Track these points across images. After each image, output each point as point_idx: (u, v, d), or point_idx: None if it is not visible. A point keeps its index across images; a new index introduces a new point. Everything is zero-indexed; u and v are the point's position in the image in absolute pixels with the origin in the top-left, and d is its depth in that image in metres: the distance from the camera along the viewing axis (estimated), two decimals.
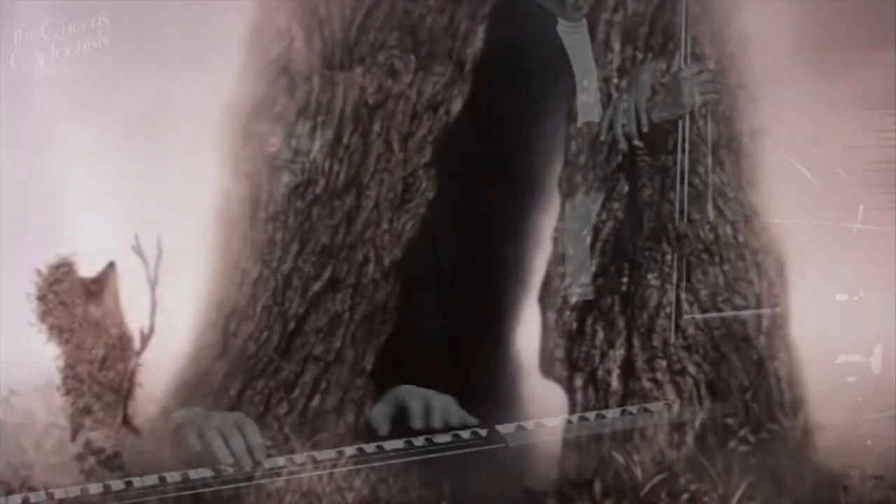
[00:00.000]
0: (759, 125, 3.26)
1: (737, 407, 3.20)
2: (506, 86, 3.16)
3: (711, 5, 3.25)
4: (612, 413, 3.16)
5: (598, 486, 3.01)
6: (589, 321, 3.22)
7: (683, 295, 3.22)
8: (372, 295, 3.11)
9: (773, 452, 3.13)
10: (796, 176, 3.25)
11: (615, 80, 3.25)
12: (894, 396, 3.22)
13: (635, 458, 3.05)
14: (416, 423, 3.02)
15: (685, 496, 3.01)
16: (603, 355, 3.21)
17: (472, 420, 3.05)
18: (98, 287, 2.92)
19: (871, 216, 3.27)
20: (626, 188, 3.25)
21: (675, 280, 3.22)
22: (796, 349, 3.23)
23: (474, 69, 3.15)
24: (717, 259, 3.24)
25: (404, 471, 2.96)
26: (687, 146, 3.22)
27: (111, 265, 2.92)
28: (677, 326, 3.21)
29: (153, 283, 2.89)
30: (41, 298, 2.89)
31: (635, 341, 3.21)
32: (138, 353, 2.92)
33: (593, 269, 3.23)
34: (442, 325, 3.15)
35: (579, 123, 3.22)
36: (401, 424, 3.04)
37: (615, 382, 3.19)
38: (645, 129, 3.21)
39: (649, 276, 3.22)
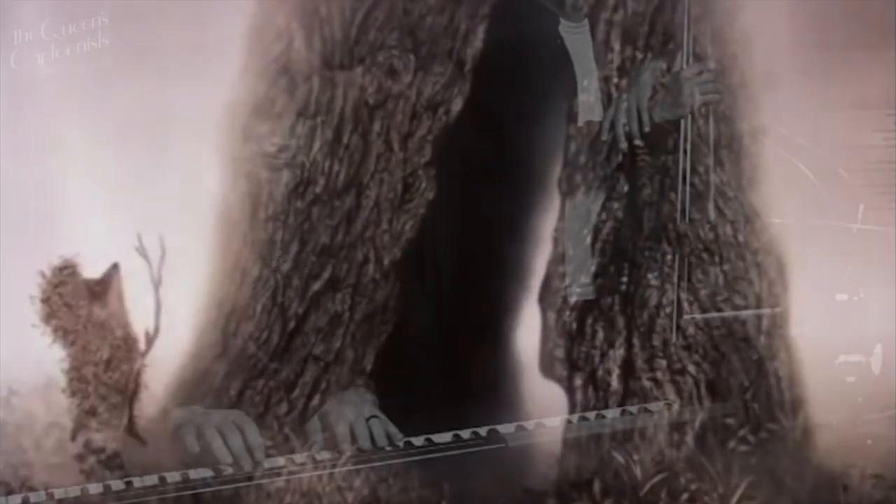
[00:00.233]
0: (759, 125, 3.26)
1: (737, 407, 3.20)
2: (506, 86, 3.15)
3: (712, 5, 3.24)
4: (612, 413, 3.16)
5: (597, 485, 3.01)
6: (589, 321, 3.22)
7: (683, 295, 3.22)
8: (372, 295, 3.11)
9: (773, 452, 3.13)
10: (796, 176, 3.25)
11: (615, 80, 3.25)
12: (894, 396, 3.22)
13: (635, 457, 3.05)
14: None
15: (685, 496, 3.01)
16: (603, 355, 3.21)
17: (393, 429, 3.04)
18: (102, 288, 2.92)
19: (871, 216, 3.27)
20: (626, 188, 3.25)
21: (675, 280, 3.22)
22: (796, 349, 3.23)
23: (474, 69, 3.15)
24: (717, 259, 3.24)
25: (404, 471, 2.96)
26: (689, 146, 3.22)
27: (115, 266, 2.92)
28: (677, 326, 3.21)
29: (157, 284, 2.89)
30: (45, 301, 2.89)
31: (635, 341, 3.21)
32: (143, 354, 2.92)
33: (593, 268, 3.23)
34: (442, 325, 3.15)
35: (580, 123, 3.23)
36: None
37: (615, 382, 3.19)
38: (647, 129, 3.21)
39: (649, 275, 3.22)
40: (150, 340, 2.92)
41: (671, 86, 3.23)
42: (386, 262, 3.11)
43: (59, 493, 2.83)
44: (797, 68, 3.20)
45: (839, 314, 3.25)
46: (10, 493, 2.82)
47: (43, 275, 2.88)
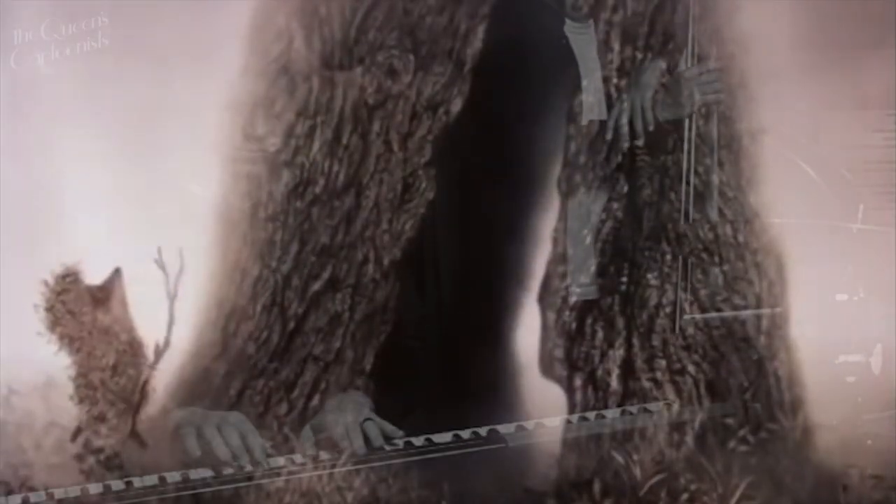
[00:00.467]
0: (759, 125, 3.26)
1: (737, 407, 3.20)
2: (506, 86, 3.15)
3: (712, 5, 3.24)
4: (611, 413, 3.16)
5: (597, 485, 3.01)
6: (588, 321, 3.22)
7: (683, 295, 3.22)
8: (372, 295, 3.11)
9: (772, 452, 3.13)
10: (796, 176, 3.25)
11: (615, 80, 3.25)
12: (894, 396, 3.22)
13: (635, 457, 3.05)
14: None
15: (685, 496, 3.01)
16: (603, 355, 3.21)
17: (391, 428, 3.03)
18: (104, 294, 2.92)
19: (871, 216, 3.26)
20: (626, 188, 3.25)
21: (675, 280, 3.22)
22: (796, 349, 3.23)
23: (474, 69, 3.15)
24: (717, 259, 3.24)
25: (404, 471, 2.96)
26: (692, 147, 3.22)
27: (117, 271, 2.92)
28: (677, 326, 3.21)
29: (172, 298, 2.89)
30: (49, 309, 2.89)
31: (635, 341, 3.21)
32: (152, 366, 2.92)
33: (593, 268, 3.23)
34: (442, 325, 3.15)
35: (585, 122, 3.22)
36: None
37: (615, 382, 3.20)
38: (651, 128, 3.21)
39: (649, 275, 3.22)
40: (160, 353, 2.92)
41: (671, 86, 3.23)
42: (386, 262, 3.11)
43: (59, 493, 2.83)
44: (797, 68, 3.20)
45: (839, 314, 3.25)
46: (9, 493, 2.82)
47: (46, 283, 2.89)
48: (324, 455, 2.95)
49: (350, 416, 3.00)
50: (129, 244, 2.91)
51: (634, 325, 3.22)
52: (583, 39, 3.25)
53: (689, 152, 3.22)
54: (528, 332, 3.15)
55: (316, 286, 3.08)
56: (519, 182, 3.17)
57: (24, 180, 2.93)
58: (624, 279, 3.23)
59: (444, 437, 3.03)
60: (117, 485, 2.84)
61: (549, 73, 3.20)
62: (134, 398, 2.91)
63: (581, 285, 3.22)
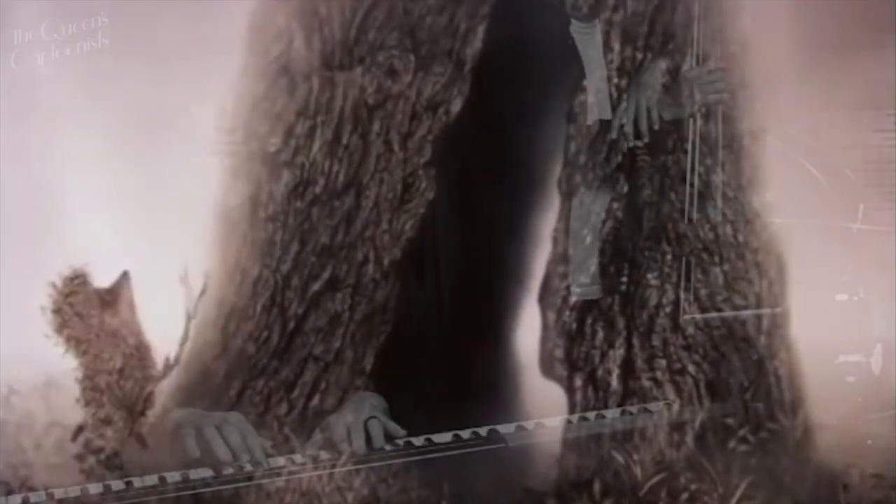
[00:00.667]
0: (759, 125, 3.26)
1: (737, 407, 3.20)
2: (506, 86, 3.15)
3: (715, 5, 3.24)
4: (611, 413, 3.16)
5: (597, 485, 3.01)
6: (589, 321, 3.22)
7: (683, 295, 3.22)
8: (372, 295, 3.11)
9: (772, 452, 3.13)
10: (796, 176, 3.25)
11: (615, 80, 3.25)
12: (894, 396, 3.22)
13: (635, 457, 3.04)
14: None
15: (685, 496, 3.01)
16: (603, 355, 3.21)
17: (393, 426, 3.03)
18: (112, 297, 2.92)
19: (871, 216, 3.27)
20: (626, 188, 3.25)
21: (675, 280, 3.22)
22: (796, 349, 3.23)
23: (474, 69, 3.15)
24: (717, 259, 3.24)
25: (404, 471, 2.96)
26: (694, 146, 3.22)
27: (125, 274, 2.92)
28: (677, 326, 3.21)
29: (191, 317, 2.89)
30: (57, 311, 2.89)
31: (635, 341, 3.21)
32: (159, 379, 2.93)
33: (594, 268, 3.23)
34: (442, 325, 3.15)
35: (589, 121, 3.22)
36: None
37: (615, 382, 3.19)
38: (656, 127, 3.22)
39: (649, 275, 3.22)
40: (169, 368, 2.93)
41: (672, 86, 3.23)
42: (386, 262, 3.11)
43: (59, 493, 2.83)
44: (797, 68, 3.20)
45: (839, 314, 3.25)
46: (9, 493, 2.82)
47: (53, 285, 2.89)
48: (324, 455, 2.95)
49: (352, 415, 3.00)
50: (128, 244, 2.91)
51: (634, 324, 3.22)
52: (588, 40, 3.25)
53: (689, 152, 3.22)
54: (528, 332, 3.15)
55: (316, 286, 3.08)
56: (519, 182, 3.17)
57: (24, 180, 2.93)
58: (624, 279, 3.23)
59: (445, 437, 3.03)
60: (117, 485, 2.85)
61: (549, 73, 3.20)
62: (139, 404, 2.91)
63: (581, 285, 3.22)
